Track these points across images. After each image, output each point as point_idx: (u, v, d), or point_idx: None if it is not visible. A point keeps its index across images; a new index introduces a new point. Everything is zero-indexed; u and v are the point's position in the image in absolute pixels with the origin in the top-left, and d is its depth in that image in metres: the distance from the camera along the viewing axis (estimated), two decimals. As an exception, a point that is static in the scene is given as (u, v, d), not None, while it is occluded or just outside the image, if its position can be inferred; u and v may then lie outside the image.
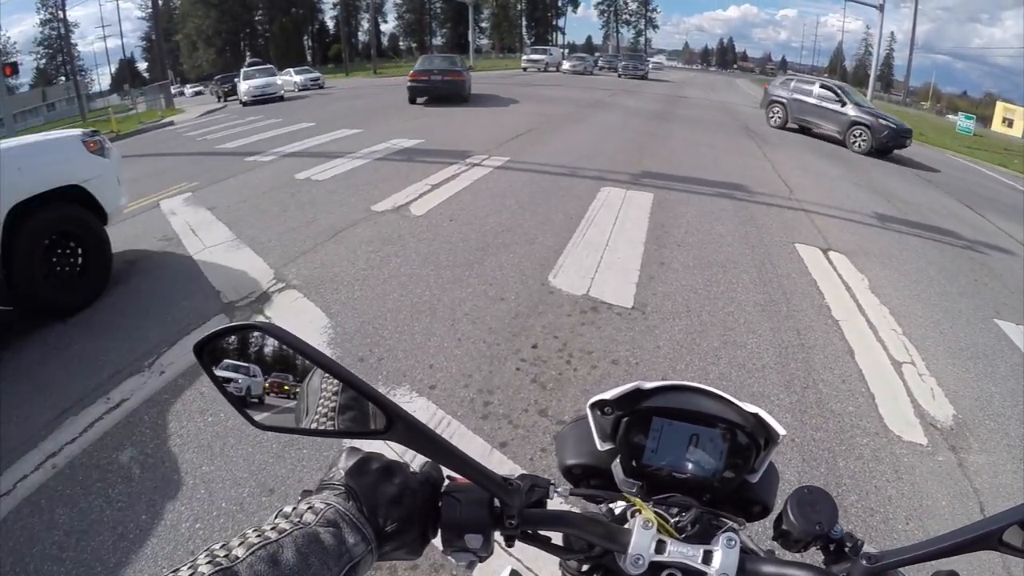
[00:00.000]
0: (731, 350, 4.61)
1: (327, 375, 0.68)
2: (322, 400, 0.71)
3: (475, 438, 3.42)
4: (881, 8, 33.37)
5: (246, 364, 0.73)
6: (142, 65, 77.61)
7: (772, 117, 20.50)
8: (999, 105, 62.98)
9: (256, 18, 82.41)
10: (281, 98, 26.96)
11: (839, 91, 18.53)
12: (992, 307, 6.25)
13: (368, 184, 8.51)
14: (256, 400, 0.74)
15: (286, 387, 0.73)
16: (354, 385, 0.67)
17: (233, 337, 0.72)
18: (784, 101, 19.95)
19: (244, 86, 27.09)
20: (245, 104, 25.97)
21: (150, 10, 46.78)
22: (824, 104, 18.41)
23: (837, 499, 2.55)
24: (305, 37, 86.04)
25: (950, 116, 41.70)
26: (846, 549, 0.79)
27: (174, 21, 74.97)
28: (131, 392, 3.73)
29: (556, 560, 0.93)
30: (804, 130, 19.16)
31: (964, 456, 3.75)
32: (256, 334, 0.73)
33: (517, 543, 0.83)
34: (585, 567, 0.92)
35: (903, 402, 4.22)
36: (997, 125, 56.73)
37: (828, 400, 4.11)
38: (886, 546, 2.90)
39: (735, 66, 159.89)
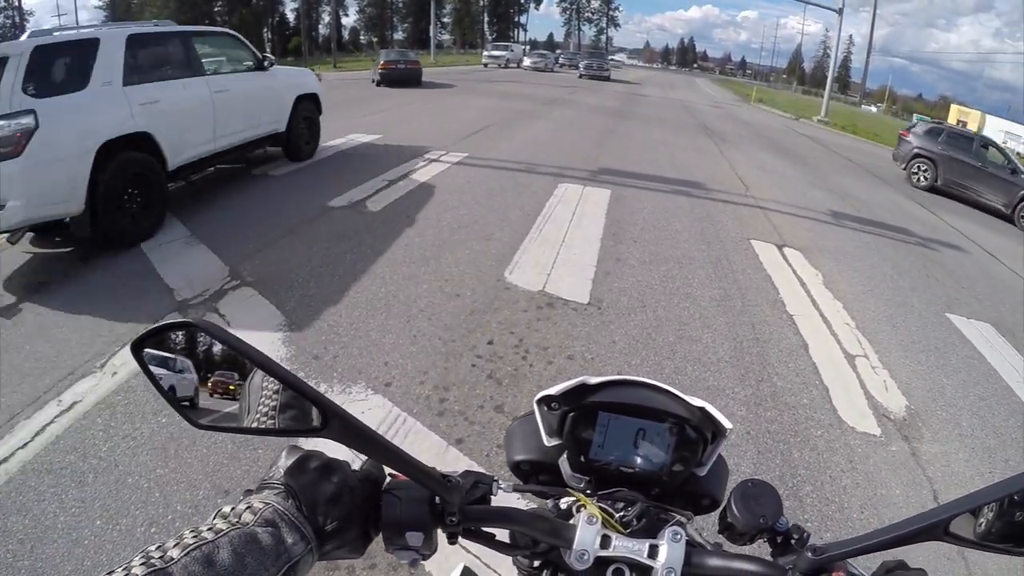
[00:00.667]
0: (687, 345, 4.65)
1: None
2: (263, 399, 0.70)
3: (431, 435, 3.39)
4: (840, 12, 34.01)
5: (186, 362, 0.72)
6: None
7: (916, 175, 15.51)
8: (953, 107, 64.82)
9: (215, 9, 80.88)
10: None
11: (1007, 155, 14.73)
12: (944, 302, 6.43)
13: (324, 180, 8.40)
14: (195, 399, 0.73)
15: (231, 387, 0.72)
16: (290, 383, 0.67)
17: (178, 335, 0.71)
18: (933, 157, 15.24)
19: None
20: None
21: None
22: (988, 168, 14.26)
23: (792, 490, 2.61)
24: (265, 29, 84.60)
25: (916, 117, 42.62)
26: (792, 541, 0.80)
27: (132, 11, 73.16)
28: (83, 394, 3.61)
29: (511, 557, 0.92)
30: (954, 195, 14.67)
31: (917, 446, 3.85)
32: (201, 332, 0.70)
33: (463, 540, 0.83)
34: (536, 563, 0.92)
35: (856, 394, 4.32)
36: (951, 127, 58.18)
37: (783, 393, 4.18)
38: (842, 534, 2.98)
39: (695, 65, 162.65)
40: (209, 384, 0.72)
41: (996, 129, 53.54)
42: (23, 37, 5.78)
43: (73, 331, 4.32)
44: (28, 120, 4.89)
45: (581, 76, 42.79)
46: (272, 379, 0.69)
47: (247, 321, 4.49)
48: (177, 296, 4.83)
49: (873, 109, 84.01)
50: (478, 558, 2.38)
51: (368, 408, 3.56)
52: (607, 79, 42.18)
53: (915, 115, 44.06)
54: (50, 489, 2.90)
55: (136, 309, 4.64)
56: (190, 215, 6.71)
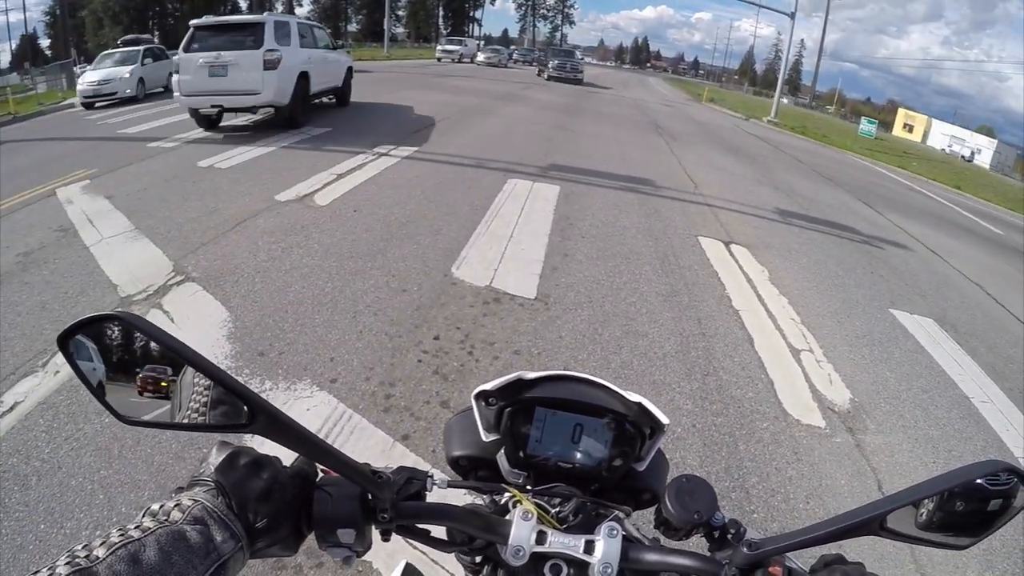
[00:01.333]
0: (633, 339, 4.68)
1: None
2: (195, 395, 0.69)
3: (377, 431, 3.37)
4: (792, 16, 34.82)
5: (116, 357, 0.69)
6: (45, 42, 73.50)
7: None
8: (901, 111, 67.07)
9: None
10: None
11: None
12: (888, 297, 6.60)
13: (273, 173, 8.28)
14: (124, 395, 0.71)
15: (162, 383, 0.70)
16: (217, 378, 0.66)
17: (111, 329, 0.68)
18: None
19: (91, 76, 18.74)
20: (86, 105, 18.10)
21: None
22: None
23: (738, 481, 2.64)
24: None
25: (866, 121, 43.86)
26: (729, 536, 0.81)
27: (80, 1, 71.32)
28: (25, 394, 3.50)
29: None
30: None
31: (861, 437, 3.95)
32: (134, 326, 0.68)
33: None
34: (478, 559, 0.92)
35: (801, 387, 4.40)
36: (898, 130, 60.36)
37: (728, 387, 4.24)
38: (788, 525, 3.02)
39: (648, 64, 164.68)
40: (138, 380, 0.70)
41: (942, 133, 55.55)
42: (265, 14, 14.07)
43: (13, 329, 4.21)
44: (279, 54, 11.40)
45: (549, 78, 36.66)
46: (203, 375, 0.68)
47: (192, 317, 4.43)
48: (120, 292, 4.73)
49: (830, 109, 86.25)
50: (426, 555, 2.37)
51: (314, 405, 3.52)
52: (579, 82, 37.20)
53: (863, 118, 45.31)
54: (-7, 493, 2.81)
55: (79, 305, 4.53)
56: (134, 208, 6.56)
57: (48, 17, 72.04)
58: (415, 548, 2.24)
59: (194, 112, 11.86)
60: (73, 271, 5.04)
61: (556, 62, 37.96)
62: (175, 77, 11.48)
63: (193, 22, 11.64)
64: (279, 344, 4.14)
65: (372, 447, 3.24)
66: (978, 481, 0.68)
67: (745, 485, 3.29)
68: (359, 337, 4.31)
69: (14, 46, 68.25)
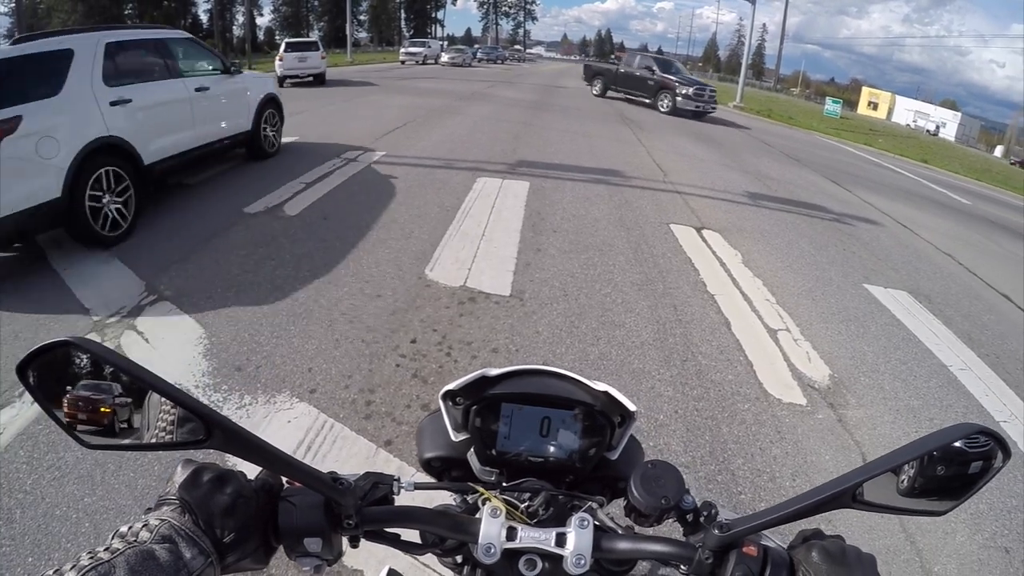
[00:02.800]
0: (610, 330, 4.69)
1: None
2: (161, 414, 0.70)
3: (359, 439, 3.34)
4: (753, 1, 35.17)
5: (76, 383, 0.70)
6: None
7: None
8: (864, 90, 68.05)
9: (126, 12, 78.03)
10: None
11: None
12: (861, 273, 6.68)
13: (240, 185, 8.18)
14: (87, 419, 0.71)
15: (103, 407, 0.71)
16: (172, 396, 0.67)
17: (74, 354, 0.69)
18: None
19: None
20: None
21: (13, 4, 43.42)
22: None
23: (724, 464, 2.65)
24: None
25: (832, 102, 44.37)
26: (702, 519, 0.80)
27: (39, 16, 69.88)
28: (3, 426, 3.41)
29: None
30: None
31: (843, 412, 3.99)
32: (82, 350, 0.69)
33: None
34: (459, 558, 0.92)
35: (780, 367, 4.44)
36: (863, 108, 61.23)
37: (708, 371, 4.26)
38: (775, 503, 3.03)
39: (612, 57, 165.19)
40: (94, 400, 0.70)
41: (906, 109, 56.39)
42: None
43: None
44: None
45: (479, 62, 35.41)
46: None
47: (166, 337, 4.34)
48: (93, 315, 4.63)
49: (795, 91, 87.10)
50: (416, 560, 2.36)
51: (294, 416, 3.47)
52: (503, 61, 35.83)
53: (828, 98, 45.79)
54: (-22, 529, 2.76)
55: (51, 331, 4.43)
56: None
57: (6, 38, 71.00)
58: (403, 554, 2.22)
59: None
60: (43, 296, 4.95)
61: (483, 52, 33.32)
62: None
63: None
64: (256, 358, 4.10)
65: (356, 455, 3.21)
66: (957, 444, 0.69)
67: (731, 467, 3.31)
68: (336, 345, 4.28)
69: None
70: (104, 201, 5.82)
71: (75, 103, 5.69)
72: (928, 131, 48.28)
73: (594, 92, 27.36)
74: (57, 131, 5.37)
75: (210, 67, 8.39)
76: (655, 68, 24.16)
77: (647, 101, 23.70)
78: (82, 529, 2.73)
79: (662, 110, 22.22)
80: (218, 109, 8.32)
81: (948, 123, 50.58)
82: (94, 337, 4.31)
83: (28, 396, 3.61)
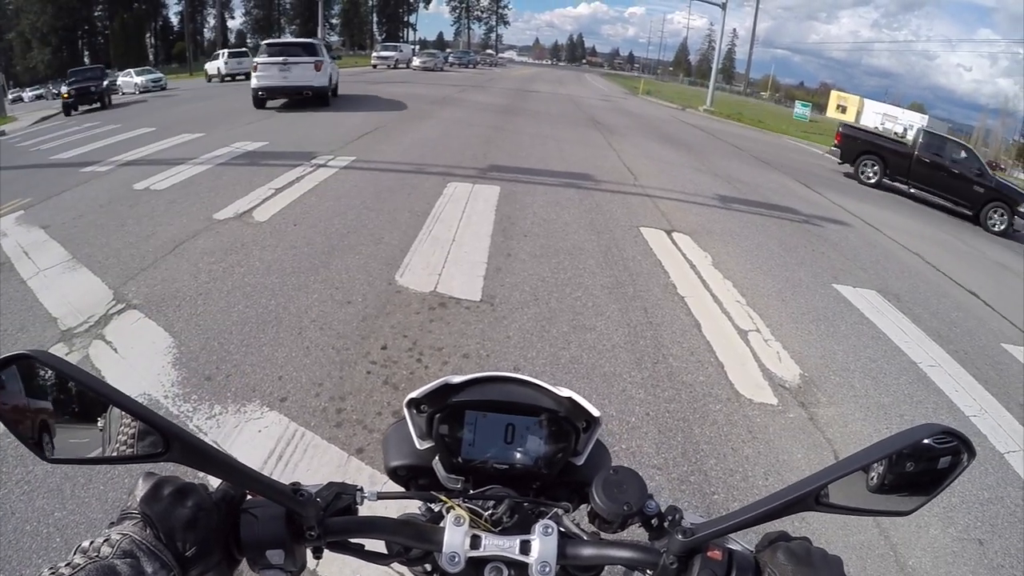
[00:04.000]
0: (581, 334, 4.69)
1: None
2: (122, 427, 0.69)
3: (331, 447, 3.31)
4: (724, 7, 35.66)
5: (35, 396, 0.69)
6: None
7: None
8: (833, 94, 68.97)
9: (96, 14, 76.99)
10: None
11: None
12: (830, 273, 6.76)
13: (210, 191, 8.11)
14: (46, 432, 0.70)
15: (80, 416, 0.70)
16: (129, 409, 0.66)
17: (36, 368, 0.67)
18: None
19: None
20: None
21: None
22: None
23: (696, 464, 2.66)
24: (148, 35, 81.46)
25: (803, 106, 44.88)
26: (666, 523, 0.79)
27: (7, 17, 68.77)
28: None
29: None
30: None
31: (814, 411, 4.03)
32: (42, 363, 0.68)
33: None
34: (427, 567, 0.90)
35: (751, 367, 4.47)
36: (832, 112, 62.00)
37: (679, 372, 4.28)
38: (749, 502, 3.05)
39: (584, 61, 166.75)
40: (53, 413, 0.69)
41: (874, 112, 57.21)
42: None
43: None
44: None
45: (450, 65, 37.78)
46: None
47: (135, 346, 4.28)
48: (61, 325, 4.56)
49: (765, 95, 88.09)
50: (393, 570, 2.33)
51: (265, 426, 3.44)
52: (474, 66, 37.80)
53: (797, 102, 46.39)
54: (-52, 546, 2.70)
55: (18, 342, 4.36)
56: (70, 237, 6.37)
57: None
58: (379, 567, 2.20)
59: None
60: (11, 307, 4.87)
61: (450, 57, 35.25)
62: None
63: None
64: (226, 367, 4.05)
65: (327, 463, 3.18)
66: (925, 441, 0.69)
67: (703, 468, 3.32)
68: (306, 353, 4.24)
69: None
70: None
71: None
72: (896, 133, 49.00)
73: (865, 179, 16.26)
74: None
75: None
76: (983, 168, 15.12)
77: (967, 211, 14.70)
78: (53, 544, 2.69)
79: (993, 229, 14.02)
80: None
81: (916, 126, 51.34)
82: (61, 347, 4.27)
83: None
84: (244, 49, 31.94)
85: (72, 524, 2.79)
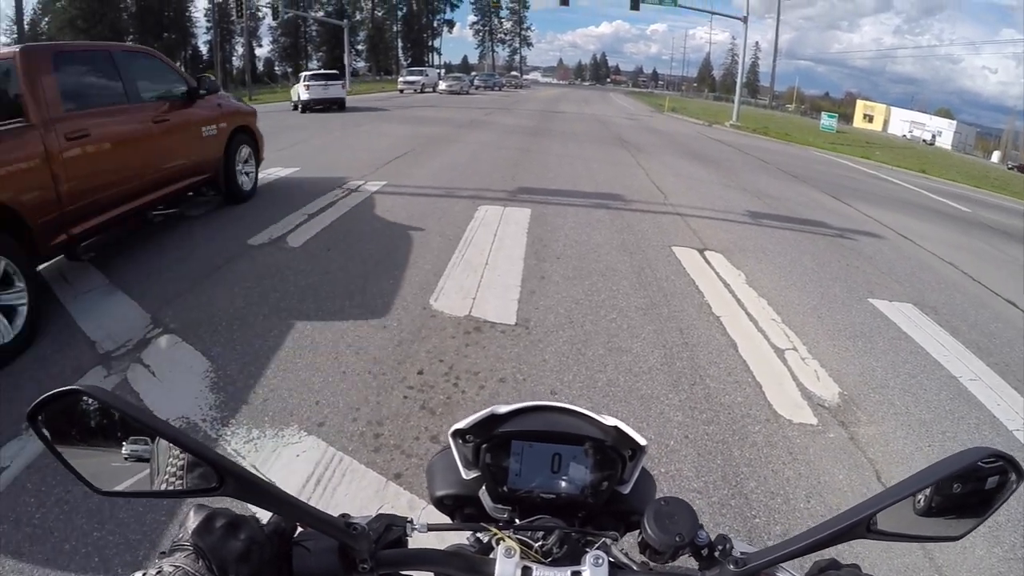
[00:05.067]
0: (617, 356, 4.67)
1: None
2: (171, 460, 0.70)
3: (368, 472, 3.31)
4: (745, 20, 35.64)
5: (86, 430, 0.71)
6: None
7: None
8: (859, 103, 68.47)
9: (127, 42, 79.25)
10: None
11: None
12: (865, 288, 6.65)
13: (242, 217, 8.23)
14: (98, 465, 0.72)
15: (130, 448, 0.71)
16: (183, 444, 0.67)
17: (83, 400, 0.69)
18: None
19: None
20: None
21: (16, 36, 44.04)
22: None
23: (736, 488, 2.62)
24: (178, 63, 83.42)
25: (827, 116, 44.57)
26: (716, 553, 0.79)
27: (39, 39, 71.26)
28: (11, 459, 3.40)
29: None
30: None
31: (854, 430, 3.94)
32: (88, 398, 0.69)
33: None
34: None
35: (789, 387, 4.40)
36: (859, 122, 61.53)
37: (716, 394, 4.22)
38: (790, 526, 3.00)
39: (608, 80, 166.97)
40: (106, 448, 0.71)
41: (901, 120, 56.62)
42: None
43: None
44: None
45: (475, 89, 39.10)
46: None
47: (172, 370, 4.33)
48: (99, 349, 4.63)
49: (790, 107, 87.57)
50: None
51: (303, 450, 3.44)
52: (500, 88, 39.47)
53: (823, 113, 46.01)
54: (-14, 562, 2.75)
55: (58, 364, 4.44)
56: (107, 262, 6.48)
57: None
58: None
59: None
60: (49, 329, 4.94)
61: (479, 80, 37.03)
62: None
63: None
64: (263, 391, 4.08)
65: (365, 488, 3.18)
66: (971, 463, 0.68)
67: (743, 491, 3.27)
68: (343, 378, 4.25)
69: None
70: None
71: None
72: (924, 141, 48.51)
73: None
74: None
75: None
76: None
77: None
78: (91, 564, 2.71)
79: None
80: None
81: (944, 132, 50.81)
82: (100, 370, 4.33)
83: (35, 430, 3.61)
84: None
85: (111, 545, 2.80)
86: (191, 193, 8.00)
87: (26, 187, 4.88)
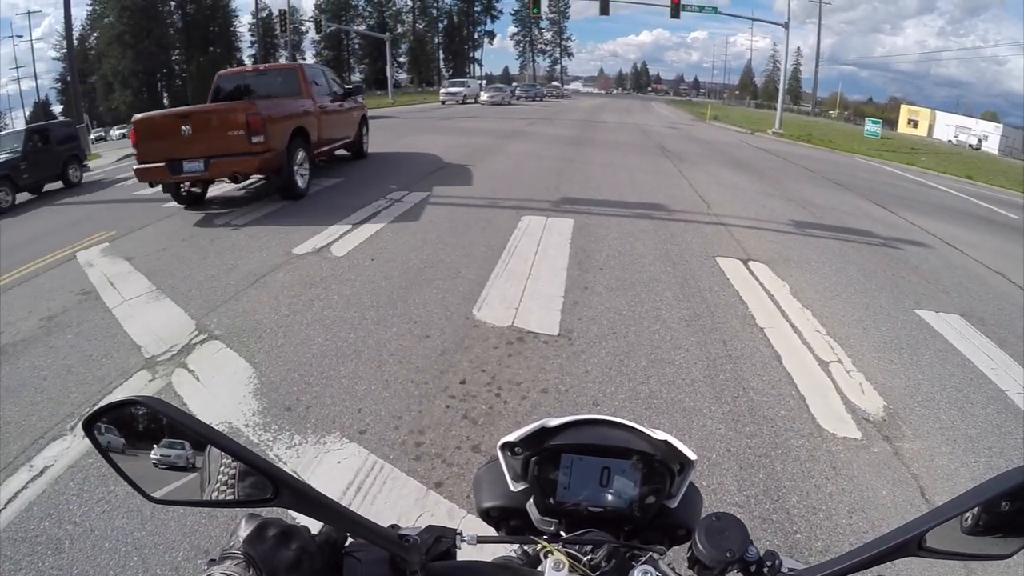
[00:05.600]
0: (660, 368, 4.65)
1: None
2: (222, 469, 0.70)
3: (409, 480, 3.34)
4: (786, 26, 35.13)
5: (140, 439, 0.72)
6: (57, 108, 76.28)
7: None
8: (903, 108, 66.89)
9: (173, 58, 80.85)
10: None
11: None
12: (911, 298, 6.52)
13: (288, 227, 8.38)
14: (150, 473, 0.73)
15: (179, 463, 0.72)
16: (238, 455, 0.67)
17: (134, 410, 0.70)
18: None
19: None
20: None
21: (65, 51, 45.20)
22: None
23: (778, 502, 2.60)
24: None
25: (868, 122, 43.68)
26: (765, 570, 0.80)
27: (90, 62, 72.73)
28: (55, 458, 3.53)
29: None
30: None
31: (899, 445, 3.87)
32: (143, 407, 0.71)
33: None
34: None
35: (834, 400, 4.34)
36: (903, 127, 60.09)
37: (760, 407, 4.19)
38: (832, 542, 2.98)
39: (649, 89, 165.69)
40: (159, 457, 0.72)
41: (946, 124, 55.22)
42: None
43: (40, 393, 4.27)
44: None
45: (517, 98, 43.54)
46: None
47: (217, 376, 4.45)
48: (144, 353, 4.77)
49: (833, 114, 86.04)
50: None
51: (344, 457, 3.50)
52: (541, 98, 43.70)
53: (867, 119, 45.11)
54: (26, 558, 2.84)
55: (103, 368, 4.59)
56: (154, 268, 6.66)
57: (59, 83, 74.55)
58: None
59: None
60: (96, 334, 5.09)
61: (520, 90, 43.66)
62: None
63: None
64: (306, 398, 4.15)
65: (406, 496, 3.22)
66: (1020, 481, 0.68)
67: (785, 506, 3.23)
68: (385, 386, 4.31)
69: (27, 112, 70.58)
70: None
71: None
72: (970, 145, 47.15)
73: None
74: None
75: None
76: None
77: None
78: (131, 563, 2.77)
79: None
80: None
81: (990, 136, 49.33)
82: (145, 374, 4.45)
83: (78, 430, 3.76)
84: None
85: (151, 545, 2.87)
86: (345, 151, 14.24)
87: (311, 127, 11.07)
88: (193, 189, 10.40)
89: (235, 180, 10.09)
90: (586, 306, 5.74)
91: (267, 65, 13.04)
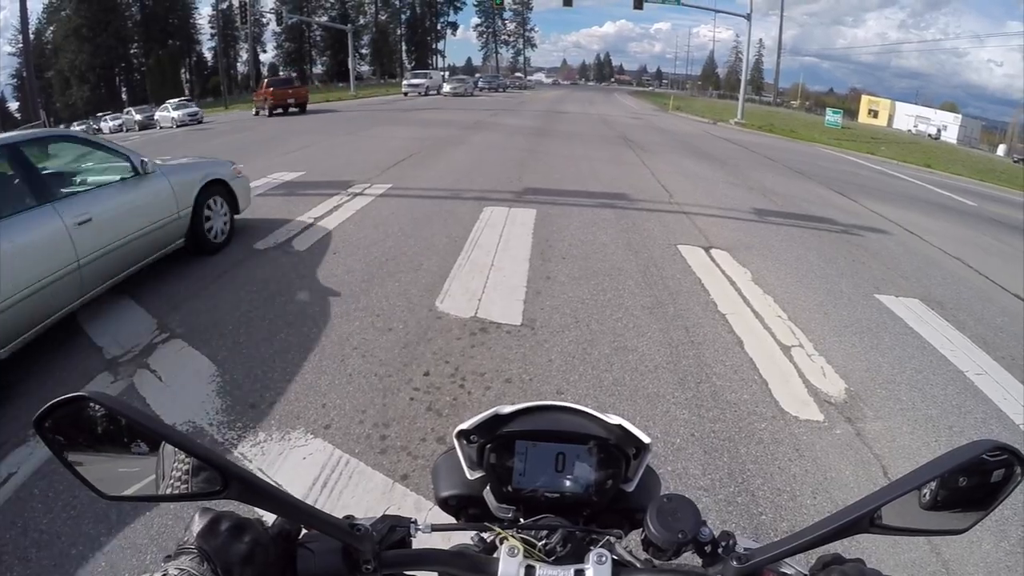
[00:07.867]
0: (623, 355, 4.67)
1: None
2: (176, 464, 0.70)
3: (375, 474, 3.31)
4: (749, 17, 35.58)
5: (92, 436, 0.70)
6: (13, 105, 74.69)
7: None
8: (864, 99, 68.12)
9: (132, 51, 79.33)
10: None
11: None
12: (871, 284, 6.64)
13: (248, 221, 8.27)
14: (103, 470, 0.72)
15: (136, 453, 0.71)
16: (187, 448, 0.68)
17: (87, 406, 0.69)
18: None
19: None
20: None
21: (21, 46, 44.16)
22: None
23: (743, 485, 2.62)
24: (183, 70, 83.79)
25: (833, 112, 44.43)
26: (720, 549, 0.80)
27: (46, 56, 71.31)
28: (17, 465, 3.43)
29: None
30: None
31: (861, 426, 3.93)
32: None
33: None
34: None
35: (796, 384, 4.40)
36: (864, 117, 61.21)
37: (723, 391, 4.22)
38: (797, 523, 3.00)
39: (612, 80, 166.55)
40: (111, 453, 0.71)
41: (906, 115, 56.35)
42: None
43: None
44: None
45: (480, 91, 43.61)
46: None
47: (179, 375, 4.36)
48: (106, 354, 4.66)
49: (795, 104, 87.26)
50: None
51: (309, 453, 3.46)
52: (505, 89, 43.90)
53: (828, 109, 45.81)
54: (-8, 567, 2.76)
55: (65, 370, 4.47)
56: None
57: (15, 80, 72.77)
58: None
59: None
60: (56, 335, 4.97)
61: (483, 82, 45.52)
62: None
63: None
64: (269, 394, 4.09)
65: (372, 490, 3.19)
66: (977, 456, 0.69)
67: (750, 488, 3.27)
68: (349, 380, 4.27)
69: (-18, 110, 68.98)
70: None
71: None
72: (930, 135, 48.24)
73: None
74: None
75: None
76: None
77: None
78: (98, 568, 2.73)
79: None
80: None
81: (949, 126, 50.52)
82: (107, 376, 4.36)
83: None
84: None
85: (118, 549, 2.82)
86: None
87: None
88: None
89: None
90: (549, 296, 5.73)
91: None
